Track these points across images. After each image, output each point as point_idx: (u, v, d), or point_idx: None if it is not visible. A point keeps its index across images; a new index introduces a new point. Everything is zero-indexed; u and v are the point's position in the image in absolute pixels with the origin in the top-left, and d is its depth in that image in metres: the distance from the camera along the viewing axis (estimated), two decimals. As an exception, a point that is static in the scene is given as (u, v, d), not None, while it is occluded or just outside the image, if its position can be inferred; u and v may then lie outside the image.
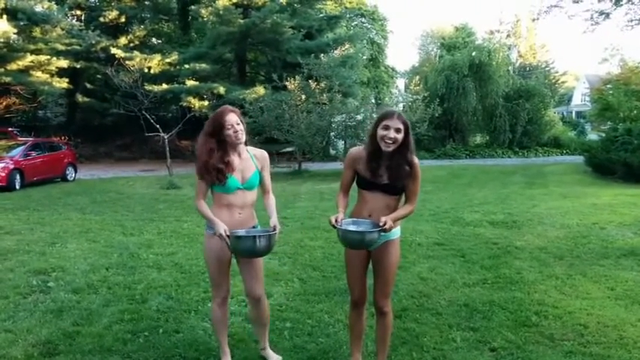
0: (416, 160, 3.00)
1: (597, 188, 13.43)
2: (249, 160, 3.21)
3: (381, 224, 2.86)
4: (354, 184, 3.13)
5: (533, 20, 25.07)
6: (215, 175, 3.08)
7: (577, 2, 15.09)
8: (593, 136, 25.00)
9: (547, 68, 37.62)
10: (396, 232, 3.07)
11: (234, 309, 4.38)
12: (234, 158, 3.15)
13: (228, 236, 2.99)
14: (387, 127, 2.90)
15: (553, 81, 35.45)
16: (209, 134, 3.12)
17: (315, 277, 5.35)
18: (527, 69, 37.03)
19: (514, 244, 6.75)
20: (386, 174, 2.98)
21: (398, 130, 2.89)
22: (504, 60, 29.31)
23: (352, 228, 2.94)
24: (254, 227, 3.24)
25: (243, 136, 3.11)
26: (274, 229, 3.07)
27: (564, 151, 28.41)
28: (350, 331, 3.32)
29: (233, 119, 3.08)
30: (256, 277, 3.31)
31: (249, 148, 3.26)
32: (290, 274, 5.43)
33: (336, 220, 2.90)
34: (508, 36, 41.56)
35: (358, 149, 3.11)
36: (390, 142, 2.88)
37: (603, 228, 7.67)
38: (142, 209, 10.48)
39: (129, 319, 4.16)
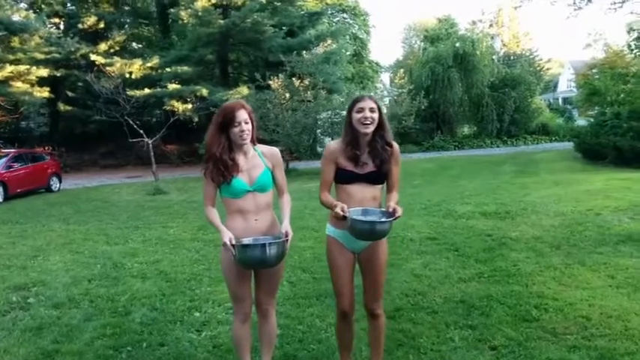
0: (395, 143, 2.96)
1: (589, 174, 13.39)
2: (257, 158, 2.91)
3: (390, 210, 2.74)
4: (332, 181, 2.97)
5: (516, 8, 25.08)
6: (222, 171, 2.81)
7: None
8: (581, 121, 25.05)
9: (531, 56, 37.65)
10: None
11: (221, 317, 4.20)
12: (240, 157, 2.87)
13: (233, 245, 2.68)
14: (361, 110, 2.84)
15: (538, 68, 35.47)
16: (219, 127, 2.84)
17: (305, 279, 5.16)
18: (512, 57, 37.02)
19: (509, 235, 6.60)
20: (370, 160, 2.88)
21: (372, 110, 2.84)
22: (488, 49, 29.33)
23: (361, 218, 2.76)
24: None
25: (248, 137, 2.83)
26: (286, 235, 2.76)
27: (553, 138, 28.51)
28: (339, 340, 3.13)
29: (242, 117, 2.79)
30: (269, 288, 3.02)
31: (258, 145, 2.97)
32: (279, 277, 5.24)
33: (343, 210, 2.70)
34: (491, 25, 41.67)
35: (336, 142, 2.98)
36: (368, 122, 2.83)
37: (598, 214, 7.53)
38: (127, 217, 10.25)
39: (111, 334, 3.96)
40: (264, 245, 2.69)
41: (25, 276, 5.80)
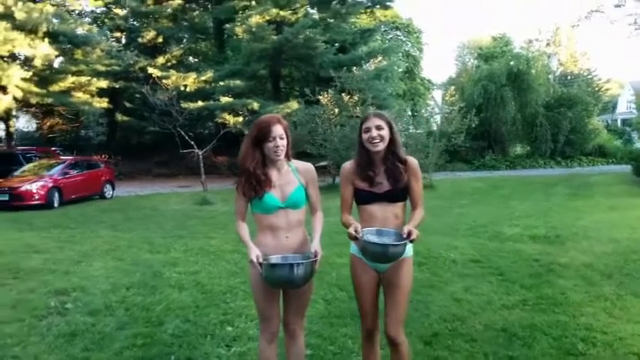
0: (410, 157, 2.88)
1: (647, 199, 12.64)
2: (290, 174, 2.85)
3: (404, 235, 2.65)
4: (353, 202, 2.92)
5: (573, 27, 24.27)
6: (254, 185, 2.76)
7: (619, 6, 14.57)
8: (641, 144, 23.91)
9: (589, 76, 36.39)
10: (409, 251, 2.81)
11: (252, 333, 4.12)
12: (273, 173, 2.82)
13: (260, 263, 2.63)
14: (367, 130, 2.84)
15: (596, 89, 34.20)
16: (253, 141, 2.80)
17: (340, 297, 5.04)
18: (569, 77, 35.89)
19: (557, 260, 6.26)
20: (385, 179, 2.82)
21: (379, 127, 2.81)
22: (544, 68, 28.55)
23: (375, 239, 2.69)
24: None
25: (283, 152, 2.78)
26: (315, 255, 2.67)
27: (610, 161, 27.32)
28: None
29: (278, 132, 2.74)
30: (297, 308, 2.92)
31: (293, 161, 2.92)
32: (314, 294, 5.11)
33: (356, 231, 2.65)
34: (548, 44, 40.60)
35: (350, 163, 2.95)
36: (376, 140, 2.79)
37: (656, 242, 7.06)
38: (172, 226, 10.42)
39: (141, 345, 3.95)
40: (291, 265, 2.63)
41: (66, 281, 5.88)
